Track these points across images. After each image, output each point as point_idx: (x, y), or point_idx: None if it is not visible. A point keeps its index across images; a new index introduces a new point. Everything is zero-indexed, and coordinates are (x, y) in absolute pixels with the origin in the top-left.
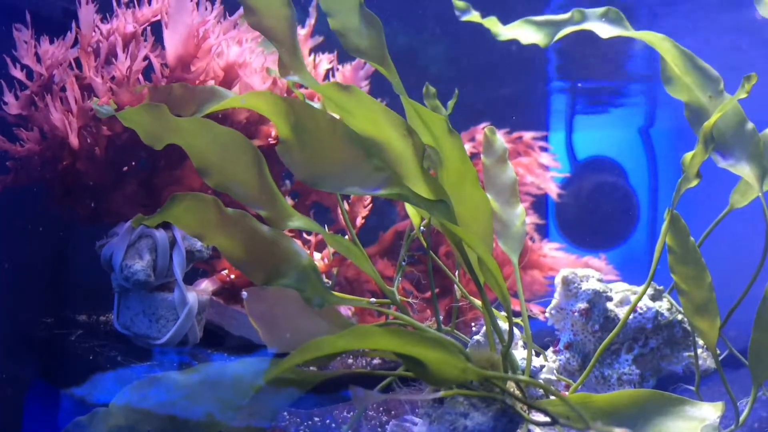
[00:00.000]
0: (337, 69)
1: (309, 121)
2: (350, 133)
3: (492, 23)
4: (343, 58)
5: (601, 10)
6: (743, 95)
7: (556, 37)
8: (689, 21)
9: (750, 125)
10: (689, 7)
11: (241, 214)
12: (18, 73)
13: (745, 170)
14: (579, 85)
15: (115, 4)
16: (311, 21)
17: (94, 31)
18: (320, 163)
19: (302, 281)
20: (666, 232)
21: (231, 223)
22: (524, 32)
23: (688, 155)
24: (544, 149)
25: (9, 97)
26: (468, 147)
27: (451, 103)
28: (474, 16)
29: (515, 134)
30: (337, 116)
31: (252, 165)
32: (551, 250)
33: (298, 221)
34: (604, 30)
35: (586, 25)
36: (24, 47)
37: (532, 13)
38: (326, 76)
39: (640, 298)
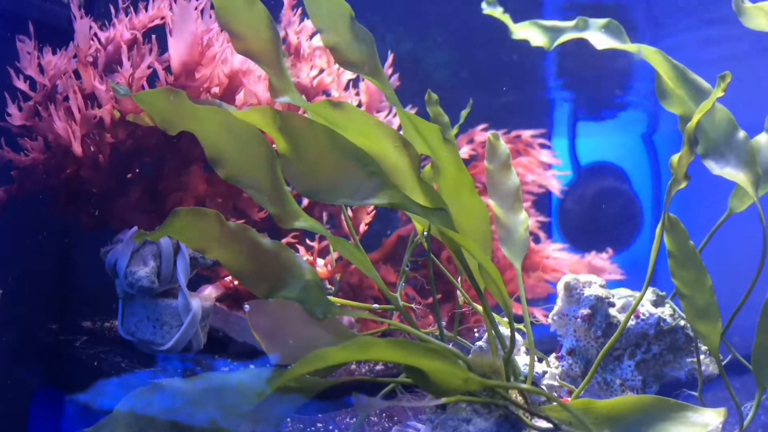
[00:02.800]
0: (362, 80)
1: (307, 135)
2: (348, 144)
3: (507, 20)
4: None
5: (603, 21)
6: (720, 94)
7: (557, 42)
8: (692, 28)
9: (741, 133)
10: (692, 16)
11: (243, 228)
12: (21, 85)
13: (740, 177)
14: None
15: (113, 11)
16: None
17: (92, 41)
18: (319, 175)
19: (304, 293)
20: (660, 235)
21: (233, 236)
22: (532, 33)
23: (675, 157)
24: (544, 147)
25: (13, 109)
26: (467, 149)
27: (464, 113)
28: (497, 11)
29: (513, 133)
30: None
31: (265, 161)
32: (554, 251)
33: (304, 222)
34: (600, 41)
35: (586, 34)
36: (27, 58)
37: (528, 14)
38: (347, 86)
39: (638, 303)
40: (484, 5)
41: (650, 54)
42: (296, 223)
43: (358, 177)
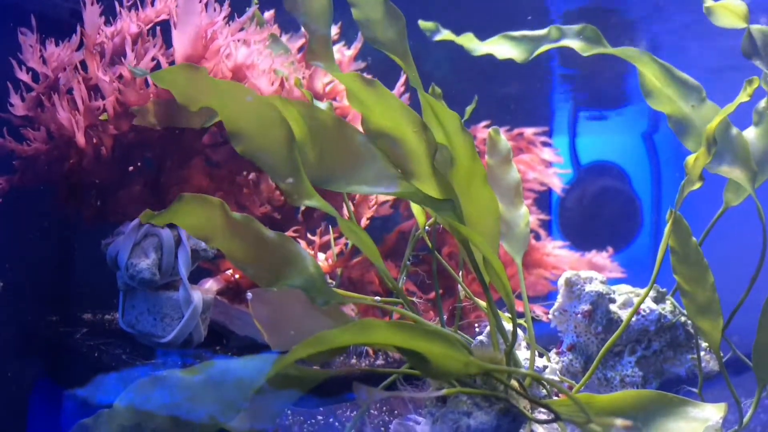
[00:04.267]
0: None
1: (318, 123)
2: (358, 133)
3: (467, 40)
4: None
5: (577, 27)
6: (745, 99)
7: (534, 54)
8: (689, 25)
9: (734, 130)
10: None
11: (247, 218)
12: (24, 76)
13: (736, 174)
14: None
15: (117, 5)
16: (358, 45)
17: (99, 32)
18: (330, 164)
19: (307, 281)
20: (669, 233)
21: (237, 226)
22: (501, 48)
23: (691, 158)
24: (546, 144)
25: (15, 99)
26: None
27: (469, 109)
28: (445, 35)
29: (516, 131)
30: (356, 110)
31: (283, 140)
32: (555, 249)
33: (316, 201)
34: (584, 48)
35: (565, 42)
36: (29, 50)
37: (536, 25)
38: None
39: (642, 300)
40: (429, 34)
41: (636, 56)
42: (307, 201)
43: (368, 165)
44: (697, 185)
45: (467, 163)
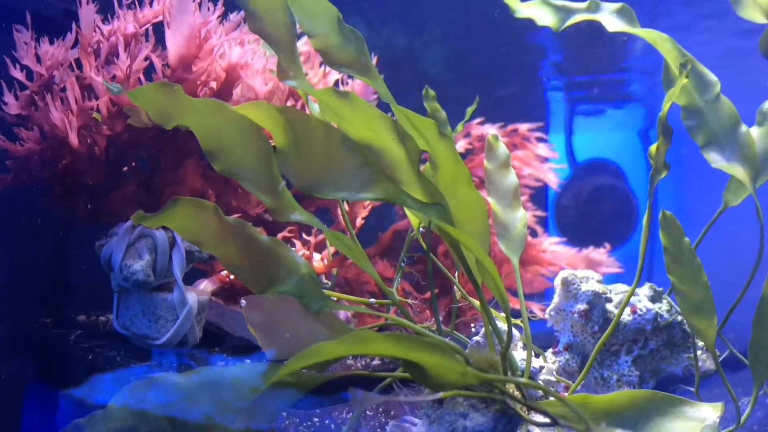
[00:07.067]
0: (347, 83)
1: (305, 130)
2: (345, 139)
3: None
4: None
5: (616, 5)
6: (684, 81)
7: (567, 23)
8: (689, 21)
9: (743, 127)
10: (689, 8)
11: (240, 222)
12: (18, 74)
13: (738, 171)
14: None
15: (116, 4)
16: None
17: (95, 31)
18: (316, 170)
19: (300, 288)
20: (647, 226)
21: (230, 230)
22: (540, 12)
23: (653, 147)
24: (540, 140)
25: (9, 98)
26: (463, 143)
27: (470, 110)
28: None
29: (510, 127)
30: (332, 123)
31: (262, 154)
32: (551, 245)
33: (300, 215)
34: (612, 23)
35: (597, 16)
36: (24, 48)
37: None
38: (336, 85)
39: (630, 295)
40: None
41: (660, 41)
42: (292, 216)
43: (354, 172)
44: (664, 174)
45: (451, 167)
